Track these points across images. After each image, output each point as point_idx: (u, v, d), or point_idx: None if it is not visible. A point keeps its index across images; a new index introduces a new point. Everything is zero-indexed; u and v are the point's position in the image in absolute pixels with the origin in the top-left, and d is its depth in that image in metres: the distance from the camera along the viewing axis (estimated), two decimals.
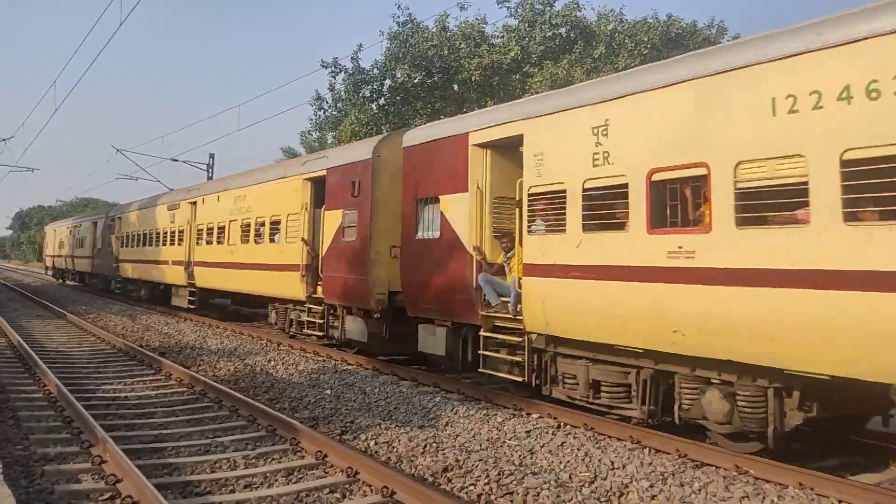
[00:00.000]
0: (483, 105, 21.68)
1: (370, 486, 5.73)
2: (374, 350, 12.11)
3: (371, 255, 11.44)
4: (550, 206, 8.11)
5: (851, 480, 5.77)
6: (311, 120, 28.33)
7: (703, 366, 6.74)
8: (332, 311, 13.06)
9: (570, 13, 23.47)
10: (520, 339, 8.64)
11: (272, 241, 15.07)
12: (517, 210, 8.62)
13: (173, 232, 21.66)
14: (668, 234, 6.75)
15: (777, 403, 6.19)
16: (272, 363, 12.07)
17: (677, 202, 6.93)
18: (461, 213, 9.61)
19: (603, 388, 7.75)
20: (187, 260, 20.16)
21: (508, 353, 8.96)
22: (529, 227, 8.39)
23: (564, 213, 7.84)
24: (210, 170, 34.68)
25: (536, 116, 8.48)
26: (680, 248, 6.57)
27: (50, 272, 46.56)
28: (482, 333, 9.25)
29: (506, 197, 9.33)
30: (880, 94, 5.22)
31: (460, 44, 23.95)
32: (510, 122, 8.90)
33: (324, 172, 13.25)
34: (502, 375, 9.14)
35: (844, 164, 5.37)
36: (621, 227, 7.23)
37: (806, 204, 5.62)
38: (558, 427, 7.80)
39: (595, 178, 7.54)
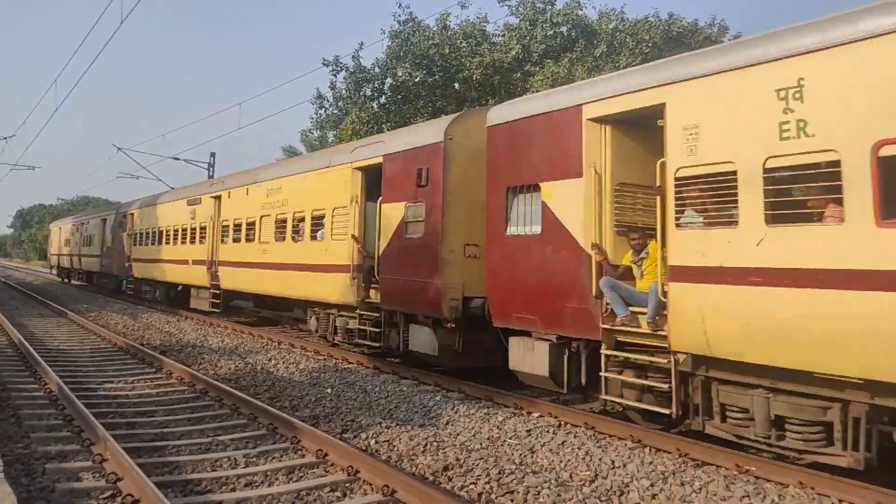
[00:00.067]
0: (484, 104, 21.65)
1: (371, 484, 5.74)
2: (444, 365, 10.49)
3: (444, 254, 9.92)
4: (711, 193, 6.52)
5: (852, 480, 5.76)
6: (313, 119, 28.34)
7: None
8: (390, 319, 11.52)
9: (571, 12, 23.43)
10: (663, 360, 6.97)
11: (314, 238, 13.46)
12: (658, 199, 6.97)
13: (194, 229, 20.01)
14: None
15: None
16: (273, 362, 12.08)
17: None
18: (572, 204, 7.95)
19: (789, 427, 6.15)
20: (210, 259, 18.49)
21: (635, 375, 7.42)
22: (678, 219, 6.77)
23: (735, 201, 6.22)
24: (211, 168, 34.69)
25: (686, 80, 6.81)
26: None
27: (54, 271, 45.05)
28: (604, 351, 7.60)
29: (630, 183, 7.89)
30: None
31: (461, 42, 23.93)
32: (645, 88, 7.21)
33: (379, 160, 11.60)
34: (632, 404, 7.52)
35: None
36: (831, 218, 5.67)
37: None
38: (559, 426, 7.80)
39: (784, 155, 5.91)
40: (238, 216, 17.15)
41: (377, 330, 11.69)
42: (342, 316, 12.90)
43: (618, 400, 7.66)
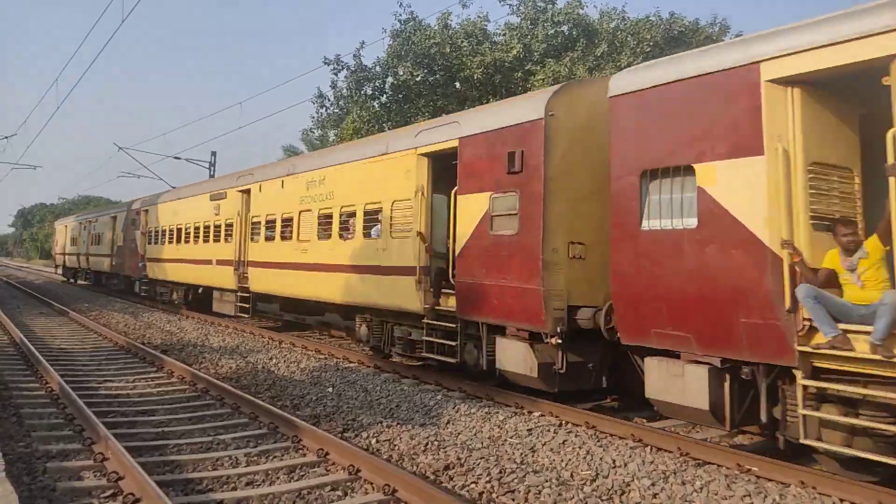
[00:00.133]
0: (485, 103, 21.62)
1: (372, 483, 5.74)
2: (543, 388, 8.65)
3: (545, 254, 8.29)
4: None
5: (854, 479, 5.76)
6: (314, 118, 28.37)
7: None
8: (467, 330, 9.85)
9: (572, 11, 23.46)
10: (891, 393, 5.40)
11: (367, 236, 11.80)
12: (892, 181, 5.41)
13: (218, 226, 18.30)
14: None
15: None
16: (274, 361, 12.08)
17: None
18: (749, 190, 6.29)
19: None
20: (238, 259, 16.83)
21: (841, 411, 5.80)
22: None
23: None
24: (212, 167, 34.73)
25: None
26: None
27: (60, 271, 43.22)
28: (801, 382, 5.94)
29: (824, 163, 6.21)
30: None
31: (462, 42, 23.95)
32: (859, 38, 5.56)
33: (453, 144, 9.99)
34: (852, 452, 5.71)
35: None
36: None
37: None
38: (560, 425, 7.80)
39: None
40: (271, 212, 15.43)
41: (452, 343, 9.95)
42: (402, 325, 11.24)
43: (827, 446, 5.86)
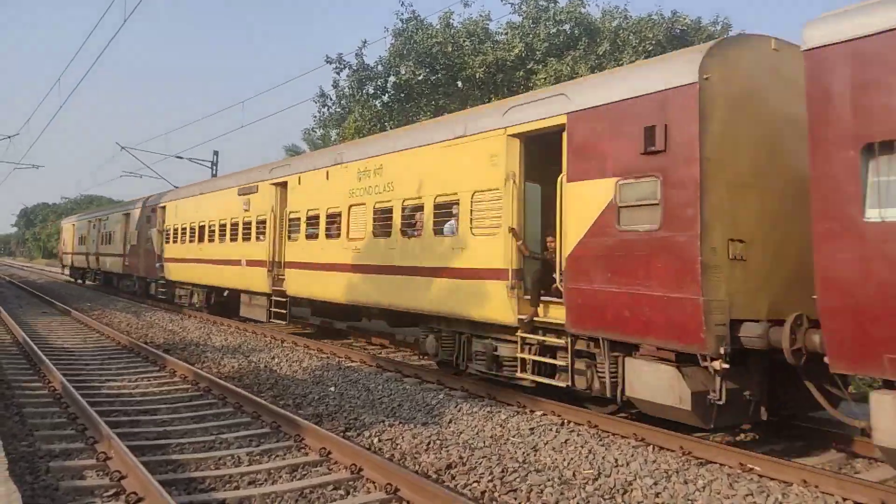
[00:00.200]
0: (486, 102, 21.61)
1: (374, 482, 5.74)
2: (698, 424, 6.96)
3: (704, 255, 6.62)
4: None
5: (856, 478, 5.75)
6: (315, 117, 28.43)
7: None
8: (580, 348, 8.06)
9: (574, 10, 23.46)
10: None
11: (439, 233, 10.13)
12: None
13: (248, 223, 16.69)
14: None
15: None
16: (276, 360, 12.09)
17: None
18: None
19: None
20: (272, 259, 15.26)
21: None
22: None
23: None
24: (214, 166, 34.77)
25: None
26: None
27: (67, 272, 41.27)
28: None
29: None
30: None
31: (464, 41, 23.95)
32: None
33: (558, 121, 8.28)
34: None
35: None
36: None
37: None
38: (562, 424, 7.80)
39: None
40: (314, 206, 13.77)
41: (557, 362, 8.31)
42: (486, 338, 9.49)
43: None
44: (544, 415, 8.26)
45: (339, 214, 12.78)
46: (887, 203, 5.44)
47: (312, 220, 13.82)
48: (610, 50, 22.47)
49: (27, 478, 5.63)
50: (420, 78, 24.32)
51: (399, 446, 6.99)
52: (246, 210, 16.84)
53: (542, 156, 8.91)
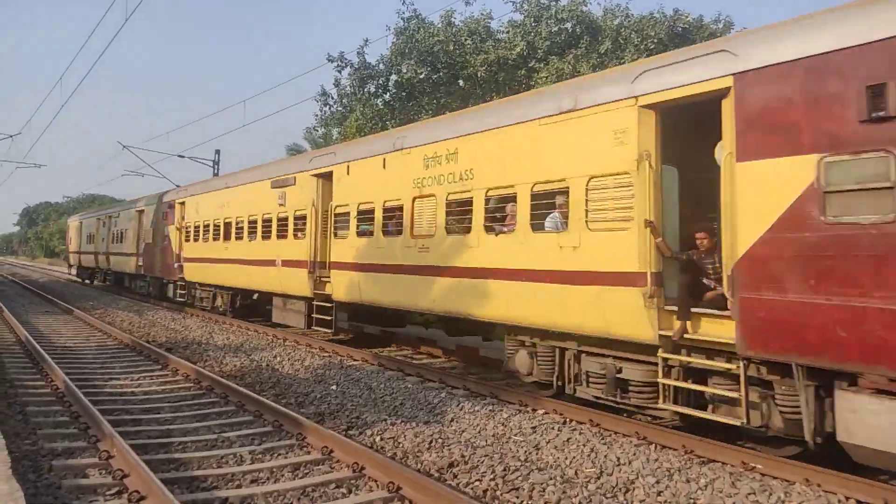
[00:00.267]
0: (488, 101, 21.59)
1: (376, 481, 5.74)
2: None
3: None
4: None
5: (858, 477, 5.74)
6: (317, 116, 28.48)
7: None
8: (750, 374, 6.43)
9: (575, 8, 23.45)
10: None
11: (538, 228, 8.56)
12: None
13: (283, 219, 15.07)
14: None
15: None
16: (278, 359, 12.10)
17: None
18: None
19: None
20: (312, 259, 13.71)
21: None
22: None
23: None
24: (216, 166, 34.79)
25: None
26: None
27: (74, 271, 39.29)
28: None
29: None
30: None
31: (466, 39, 23.95)
32: None
33: (721, 84, 6.61)
34: None
35: None
36: None
37: None
38: (564, 423, 7.80)
39: None
40: (366, 199, 12.15)
41: (731, 394, 6.50)
42: (601, 357, 8.01)
43: None
44: (546, 413, 8.26)
45: (401, 208, 11.22)
46: None
47: (365, 216, 12.25)
48: (612, 48, 22.45)
49: (30, 476, 5.64)
50: (422, 76, 24.32)
51: (401, 445, 6.99)
52: (281, 204, 15.21)
53: (675, 131, 7.51)
